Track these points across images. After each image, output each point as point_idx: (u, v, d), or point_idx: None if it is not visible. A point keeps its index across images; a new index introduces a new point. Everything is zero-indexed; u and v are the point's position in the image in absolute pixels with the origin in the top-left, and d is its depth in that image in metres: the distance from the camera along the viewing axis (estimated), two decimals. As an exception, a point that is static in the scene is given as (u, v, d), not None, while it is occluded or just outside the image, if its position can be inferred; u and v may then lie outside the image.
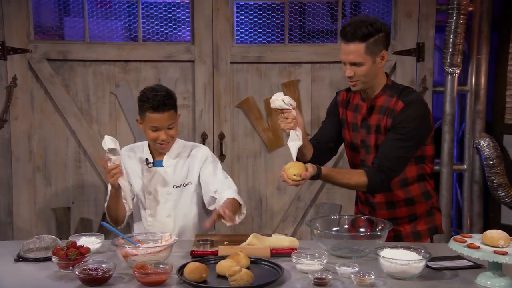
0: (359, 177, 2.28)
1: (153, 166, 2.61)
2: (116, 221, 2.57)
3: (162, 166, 2.61)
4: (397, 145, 2.27)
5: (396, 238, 2.40)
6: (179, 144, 2.65)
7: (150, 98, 2.46)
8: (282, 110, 2.28)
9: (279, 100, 2.27)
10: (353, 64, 2.28)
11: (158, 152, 2.61)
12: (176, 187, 2.61)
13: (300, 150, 2.41)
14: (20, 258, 2.16)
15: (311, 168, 2.21)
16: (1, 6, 3.48)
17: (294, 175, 2.19)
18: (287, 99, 2.28)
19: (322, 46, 3.65)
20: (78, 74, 3.61)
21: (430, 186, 2.47)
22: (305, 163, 2.47)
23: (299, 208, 3.74)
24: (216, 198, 2.53)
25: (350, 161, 2.56)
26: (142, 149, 2.65)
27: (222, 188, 2.55)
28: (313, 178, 2.25)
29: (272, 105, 2.30)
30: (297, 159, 2.49)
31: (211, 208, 2.58)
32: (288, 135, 2.31)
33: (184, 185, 2.62)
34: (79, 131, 3.62)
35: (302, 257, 2.02)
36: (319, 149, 2.51)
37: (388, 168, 2.27)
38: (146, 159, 2.61)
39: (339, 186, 2.40)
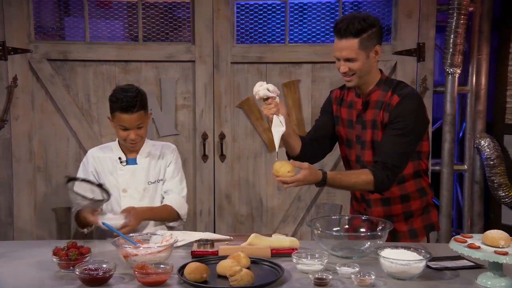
0: (366, 175, 2.27)
1: (127, 164, 2.66)
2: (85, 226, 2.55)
3: (136, 163, 2.67)
4: (398, 141, 2.28)
5: (391, 237, 2.39)
6: (148, 143, 2.73)
7: (120, 98, 2.52)
8: (267, 99, 2.28)
9: (264, 89, 2.26)
10: (347, 60, 2.29)
11: (128, 150, 2.67)
12: (151, 183, 2.68)
13: (287, 141, 2.42)
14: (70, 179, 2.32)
15: (313, 170, 2.19)
16: (2, 6, 3.48)
17: (288, 171, 2.16)
18: (271, 86, 2.28)
19: (322, 46, 3.65)
20: (78, 74, 3.61)
21: (426, 183, 2.48)
22: (294, 157, 2.50)
23: (299, 208, 3.74)
24: (163, 198, 2.70)
25: (344, 157, 2.57)
26: (111, 148, 2.71)
27: (172, 191, 2.69)
28: (320, 184, 2.24)
29: (257, 97, 2.29)
30: (287, 154, 2.52)
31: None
32: (271, 121, 2.31)
33: (158, 181, 2.70)
34: (80, 131, 3.62)
35: (303, 257, 2.02)
36: (310, 146, 2.52)
37: (392, 165, 2.27)
38: (119, 158, 2.66)
39: (347, 188, 2.39)
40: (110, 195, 2.41)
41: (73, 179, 2.38)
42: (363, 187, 2.33)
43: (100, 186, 2.41)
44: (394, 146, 2.28)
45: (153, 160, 2.69)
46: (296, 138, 2.47)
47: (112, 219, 2.39)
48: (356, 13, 2.37)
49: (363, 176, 2.28)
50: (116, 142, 2.72)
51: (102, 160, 2.68)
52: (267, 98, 2.28)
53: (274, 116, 2.29)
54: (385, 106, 2.33)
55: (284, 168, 2.17)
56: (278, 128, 2.29)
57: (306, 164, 2.21)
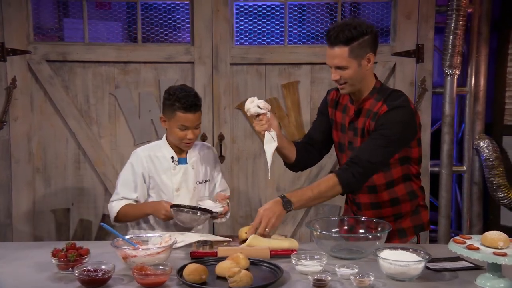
0: (329, 180, 2.27)
1: (178, 163, 2.67)
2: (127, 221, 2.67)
3: (187, 163, 2.67)
4: (373, 144, 2.26)
5: None
6: None
7: (182, 98, 2.52)
8: (258, 115, 2.31)
9: (255, 106, 2.30)
10: (338, 67, 2.29)
11: (178, 150, 2.66)
12: (199, 183, 2.69)
13: (282, 152, 2.44)
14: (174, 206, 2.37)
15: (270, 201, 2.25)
16: (1, 7, 3.47)
17: (245, 232, 2.24)
18: (262, 103, 2.31)
19: (321, 48, 3.64)
20: (77, 75, 3.61)
21: (416, 186, 2.46)
22: (290, 164, 2.53)
23: (298, 209, 3.74)
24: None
25: (339, 161, 2.57)
26: (160, 147, 2.68)
27: (223, 191, 2.76)
28: (286, 204, 2.22)
29: (249, 113, 2.33)
30: (285, 163, 2.56)
31: None
32: (263, 137, 2.33)
33: (205, 181, 2.72)
34: (79, 133, 3.62)
35: (302, 258, 2.02)
36: (305, 150, 2.53)
37: (363, 160, 2.24)
38: (172, 157, 2.65)
39: (316, 200, 2.30)
40: (212, 213, 2.47)
41: (176, 206, 2.41)
42: (332, 192, 2.29)
43: (203, 210, 2.44)
44: (372, 147, 2.26)
45: (199, 160, 2.71)
46: (290, 147, 2.48)
47: (214, 207, 2.49)
48: (350, 20, 2.35)
49: (327, 182, 2.27)
50: (164, 141, 2.67)
51: (154, 159, 2.65)
52: (258, 115, 2.30)
53: (266, 132, 2.31)
54: (372, 115, 2.31)
55: (241, 232, 2.28)
56: (270, 144, 2.32)
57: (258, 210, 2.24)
